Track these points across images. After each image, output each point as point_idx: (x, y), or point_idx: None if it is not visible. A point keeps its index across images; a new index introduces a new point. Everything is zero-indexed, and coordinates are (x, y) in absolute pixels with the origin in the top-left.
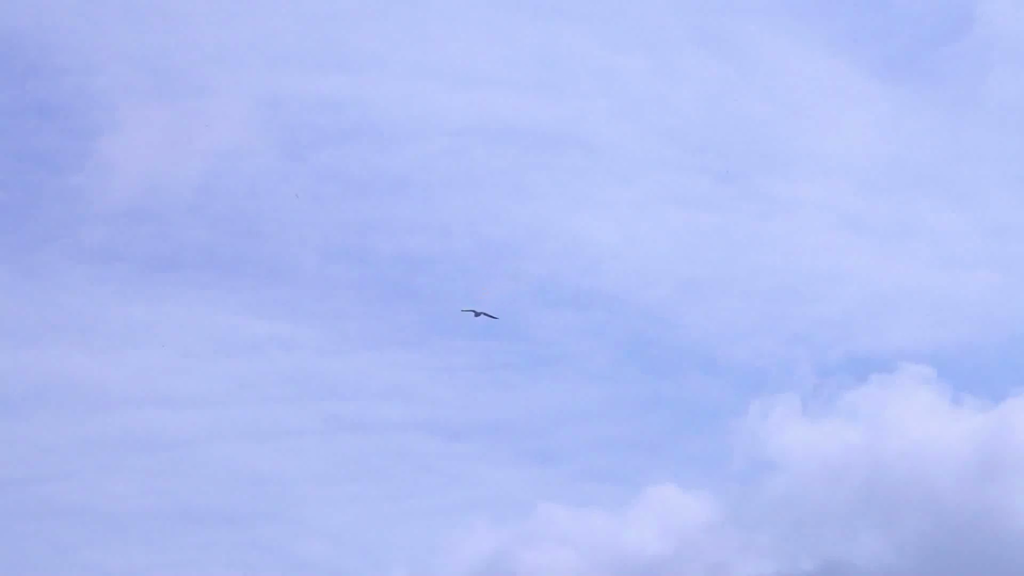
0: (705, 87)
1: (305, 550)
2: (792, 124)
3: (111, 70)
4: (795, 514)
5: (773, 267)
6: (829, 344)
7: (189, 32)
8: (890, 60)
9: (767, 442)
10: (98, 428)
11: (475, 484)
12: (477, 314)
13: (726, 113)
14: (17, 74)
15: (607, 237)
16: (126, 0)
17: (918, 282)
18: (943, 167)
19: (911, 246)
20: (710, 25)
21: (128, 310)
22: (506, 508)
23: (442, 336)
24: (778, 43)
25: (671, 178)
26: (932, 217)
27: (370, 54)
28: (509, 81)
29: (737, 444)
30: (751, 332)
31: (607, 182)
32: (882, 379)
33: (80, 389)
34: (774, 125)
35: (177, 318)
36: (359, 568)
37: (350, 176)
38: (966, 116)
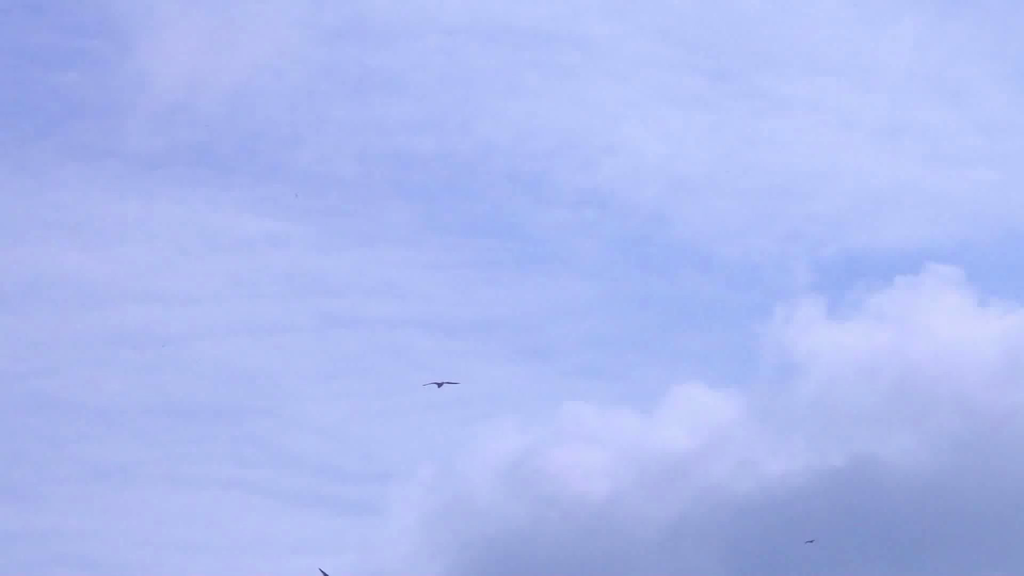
0: None
1: (297, 445)
2: (786, 23)
3: None
4: (824, 413)
5: (767, 165)
6: (824, 242)
7: None
8: None
9: (793, 345)
10: (92, 324)
11: (470, 380)
12: (440, 384)
13: (721, 12)
14: None
15: (601, 136)
16: None
17: (912, 179)
18: (936, 65)
19: (905, 143)
20: None
21: (122, 207)
22: (523, 406)
23: (436, 234)
24: None
25: (665, 77)
26: (925, 115)
27: None
28: None
29: (763, 346)
30: (745, 230)
31: (601, 81)
32: (908, 281)
33: (74, 285)
34: (768, 24)
35: (171, 215)
36: (351, 463)
37: (343, 75)
38: (959, 13)
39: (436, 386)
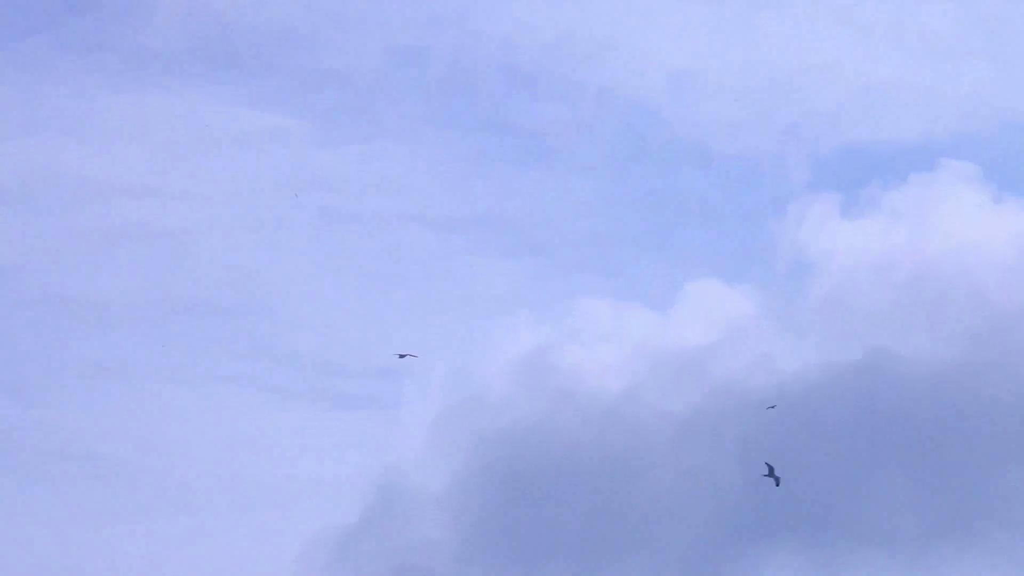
0: None
1: (297, 341)
2: None
3: None
4: (839, 310)
5: (766, 60)
6: (824, 137)
7: None
8: None
9: (808, 243)
10: (90, 220)
11: (467, 276)
12: (403, 356)
13: None
14: None
15: (599, 29)
16: None
17: (909, 74)
18: None
19: (902, 38)
20: None
21: (120, 102)
22: (535, 304)
23: (435, 129)
24: None
25: None
26: (925, 8)
27: None
28: None
29: (777, 244)
30: (744, 125)
31: None
32: (923, 178)
33: (72, 181)
34: None
35: (169, 110)
36: (350, 360)
37: None
38: None
39: (399, 357)
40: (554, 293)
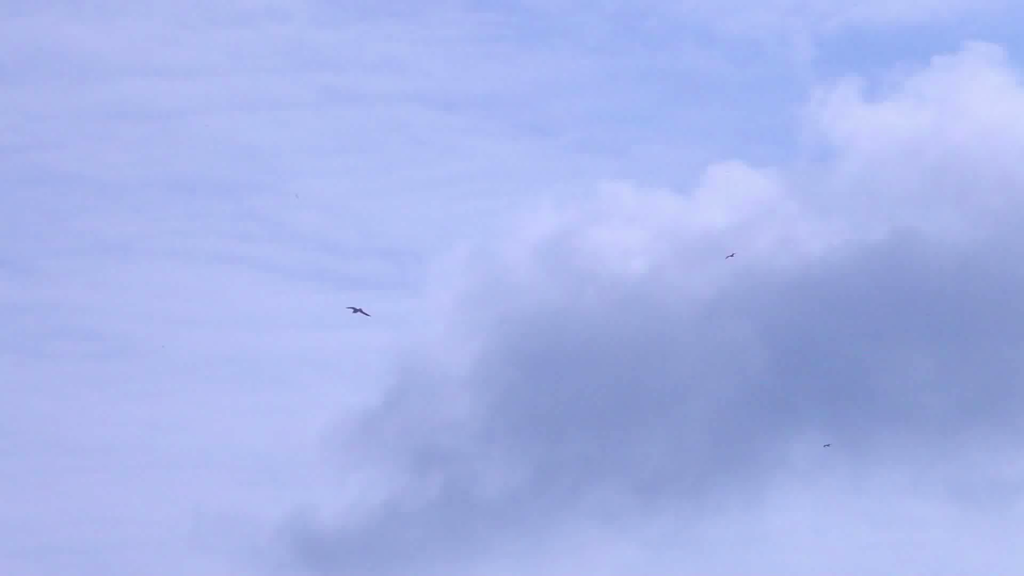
0: None
1: (297, 221)
2: None
3: None
4: (865, 192)
5: None
6: (825, 16)
7: None
8: None
9: (832, 127)
10: (92, 97)
11: (468, 156)
12: (355, 310)
13: None
14: None
15: None
16: None
17: None
18: None
19: None
20: None
21: None
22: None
23: (436, 7)
24: None
25: None
26: None
27: None
28: None
29: (801, 127)
30: (747, 2)
31: None
32: (947, 61)
33: (73, 58)
34: None
35: None
36: (351, 240)
37: None
38: None
39: (352, 311)
40: (571, 175)
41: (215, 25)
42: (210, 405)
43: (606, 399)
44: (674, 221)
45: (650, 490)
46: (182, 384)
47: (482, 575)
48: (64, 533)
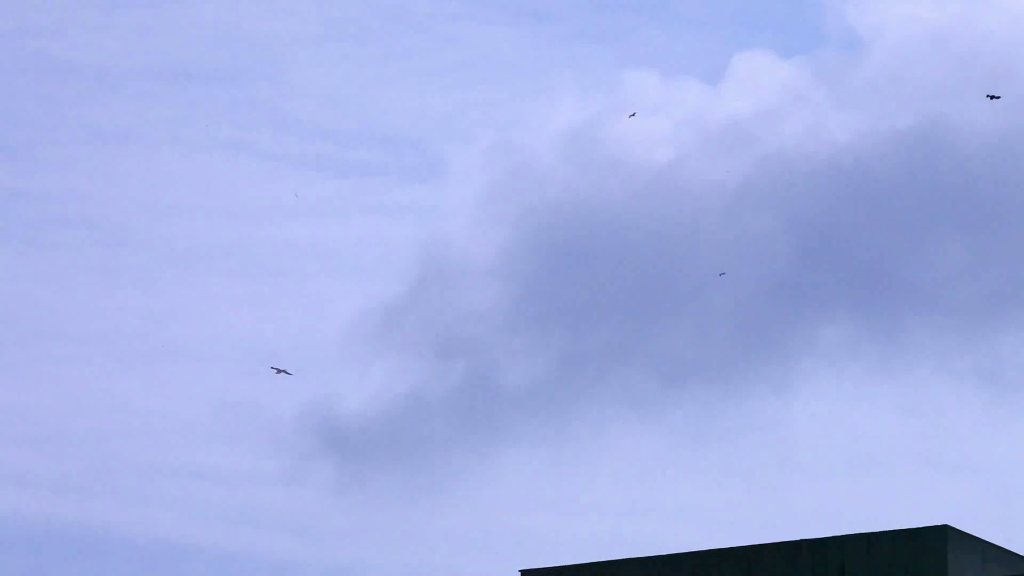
0: None
1: (297, 109)
2: None
3: None
4: (894, 80)
5: None
6: None
7: None
8: None
9: (859, 17)
10: None
11: (471, 44)
12: (278, 371)
13: None
14: None
15: None
16: None
17: None
18: None
19: None
20: None
21: None
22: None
23: None
24: None
25: None
26: None
27: None
28: None
29: (827, 18)
30: None
31: None
32: None
33: None
34: None
35: None
36: (352, 128)
37: None
38: None
39: (275, 372)
40: (592, 65)
41: None
42: (215, 295)
43: (631, 288)
44: (699, 110)
45: (675, 377)
46: (184, 274)
47: (505, 463)
48: (68, 422)
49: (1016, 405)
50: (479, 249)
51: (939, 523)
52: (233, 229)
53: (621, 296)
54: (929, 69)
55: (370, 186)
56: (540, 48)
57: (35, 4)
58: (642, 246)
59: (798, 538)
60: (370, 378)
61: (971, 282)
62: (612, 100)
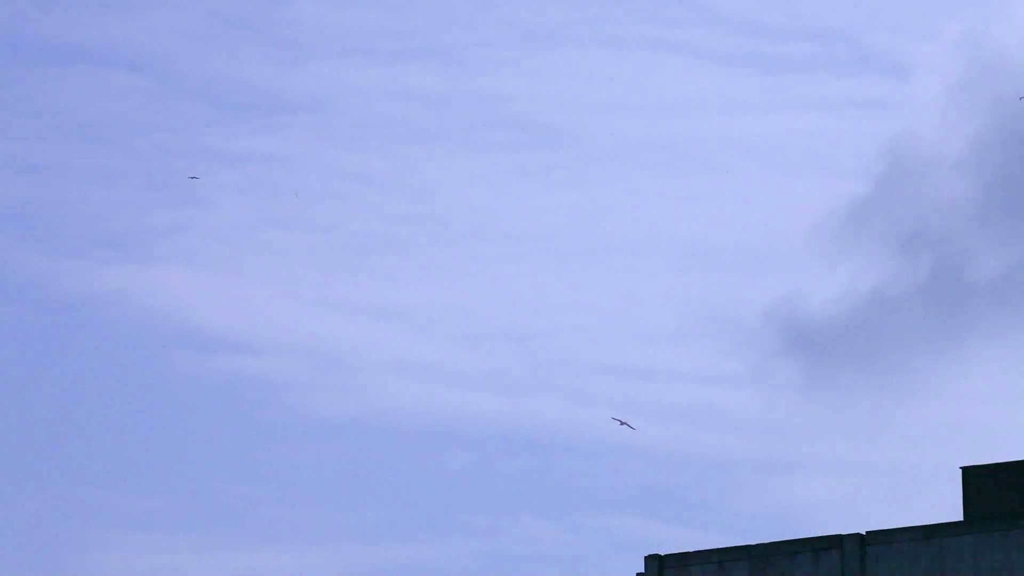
0: None
1: (723, 5)
2: None
3: None
4: None
5: None
6: None
7: None
8: None
9: None
10: None
11: None
12: (621, 423)
13: None
14: None
15: None
16: None
17: None
18: None
19: None
20: None
21: None
22: None
23: None
24: None
25: None
26: None
27: None
28: None
29: None
30: None
31: None
32: None
33: None
34: None
35: None
36: (779, 22)
37: None
38: None
39: (618, 423)
40: None
41: None
42: (647, 191)
43: None
44: None
45: None
46: (617, 170)
47: (971, 357)
48: (503, 320)
49: None
50: (948, 144)
51: None
52: (664, 126)
53: None
54: None
55: (800, 80)
56: None
57: None
58: None
59: None
60: (836, 276)
61: None
62: None
